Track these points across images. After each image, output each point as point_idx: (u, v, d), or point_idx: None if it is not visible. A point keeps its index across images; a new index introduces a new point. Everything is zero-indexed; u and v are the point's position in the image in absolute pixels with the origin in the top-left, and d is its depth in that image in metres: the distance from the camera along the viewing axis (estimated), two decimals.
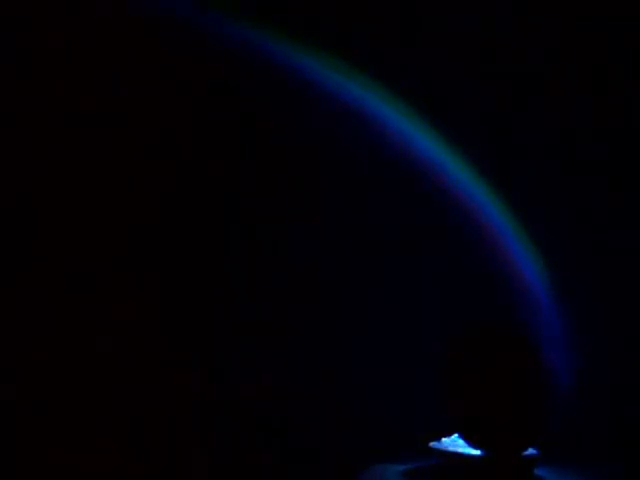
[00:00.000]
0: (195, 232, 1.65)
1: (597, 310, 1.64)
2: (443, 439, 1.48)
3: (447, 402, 1.46)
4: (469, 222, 1.65)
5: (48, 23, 1.62)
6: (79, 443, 1.57)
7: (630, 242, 1.65)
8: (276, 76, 1.64)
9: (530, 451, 1.45)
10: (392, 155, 1.66)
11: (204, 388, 1.62)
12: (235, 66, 1.65)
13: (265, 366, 1.63)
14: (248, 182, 1.66)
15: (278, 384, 1.63)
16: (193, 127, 1.66)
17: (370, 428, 1.61)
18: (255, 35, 1.63)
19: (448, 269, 1.67)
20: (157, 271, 1.63)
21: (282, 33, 1.63)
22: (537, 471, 1.45)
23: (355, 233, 1.67)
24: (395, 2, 1.66)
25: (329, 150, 1.66)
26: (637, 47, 1.64)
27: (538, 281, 1.65)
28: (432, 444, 1.47)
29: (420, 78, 1.65)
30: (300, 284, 1.65)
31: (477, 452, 1.43)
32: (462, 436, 1.45)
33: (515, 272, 1.65)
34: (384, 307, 1.65)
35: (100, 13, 1.63)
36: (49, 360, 1.58)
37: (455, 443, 1.46)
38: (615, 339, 1.64)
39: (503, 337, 1.47)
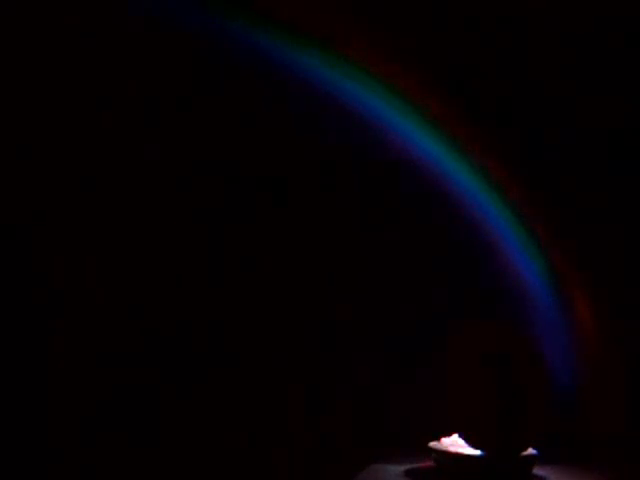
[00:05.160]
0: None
1: (597, 309, 1.64)
2: (443, 439, 1.48)
3: (447, 402, 1.45)
4: (469, 221, 1.66)
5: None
6: None
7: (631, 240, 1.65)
8: (277, 75, 1.65)
9: (530, 451, 1.45)
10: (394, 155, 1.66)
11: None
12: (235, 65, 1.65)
13: (263, 365, 1.64)
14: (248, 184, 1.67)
15: (279, 383, 1.63)
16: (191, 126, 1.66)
17: (370, 428, 1.61)
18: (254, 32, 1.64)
19: (449, 269, 1.67)
20: None
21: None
22: (537, 471, 1.45)
23: (356, 232, 1.67)
24: None
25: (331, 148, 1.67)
26: None
27: (539, 280, 1.65)
28: (432, 444, 1.47)
29: None
30: (294, 279, 1.66)
31: (477, 452, 1.43)
32: (462, 436, 1.45)
33: (516, 271, 1.65)
34: (384, 306, 1.65)
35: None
36: None
37: (455, 443, 1.46)
38: (615, 338, 1.64)
39: (504, 337, 1.47)
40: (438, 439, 1.48)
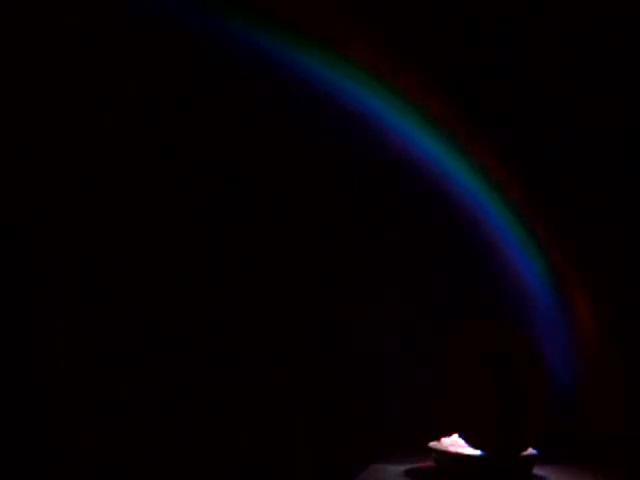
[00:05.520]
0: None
1: (597, 309, 1.64)
2: (443, 439, 1.48)
3: (447, 402, 1.45)
4: (469, 221, 1.66)
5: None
6: None
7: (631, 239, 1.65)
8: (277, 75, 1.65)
9: (530, 451, 1.45)
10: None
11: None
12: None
13: (263, 365, 1.64)
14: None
15: (279, 383, 1.63)
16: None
17: (370, 428, 1.61)
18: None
19: (449, 269, 1.67)
20: None
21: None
22: (537, 471, 1.45)
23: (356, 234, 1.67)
24: None
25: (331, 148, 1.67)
26: None
27: (539, 280, 1.65)
28: (432, 444, 1.47)
29: None
30: (294, 280, 1.65)
31: (477, 452, 1.43)
32: (462, 436, 1.45)
33: (516, 271, 1.65)
34: (384, 306, 1.65)
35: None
36: None
37: (455, 443, 1.46)
38: (615, 338, 1.64)
39: (504, 337, 1.47)
40: (438, 439, 1.48)
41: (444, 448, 1.45)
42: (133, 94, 1.65)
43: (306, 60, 1.63)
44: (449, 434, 1.48)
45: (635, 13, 1.64)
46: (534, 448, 1.45)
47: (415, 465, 1.48)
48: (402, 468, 1.46)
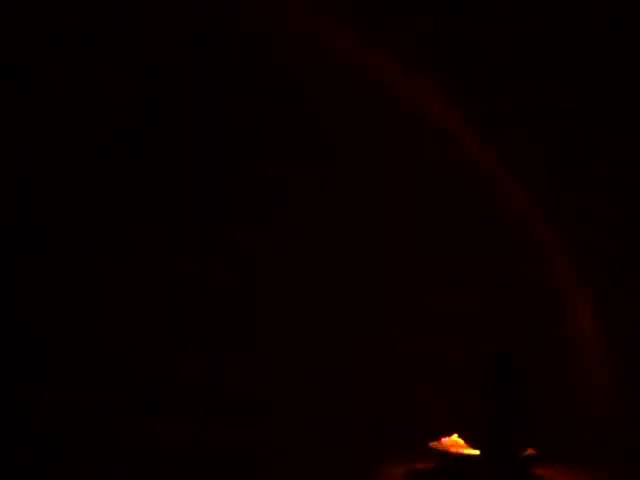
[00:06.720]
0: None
1: (597, 310, 1.65)
2: (443, 439, 1.48)
3: (447, 402, 1.46)
4: (472, 219, 1.66)
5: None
6: None
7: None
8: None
9: (530, 451, 1.45)
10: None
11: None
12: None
13: (265, 364, 1.64)
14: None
15: (279, 383, 1.63)
16: None
17: (371, 428, 1.61)
18: None
19: (451, 269, 1.67)
20: None
21: None
22: (537, 471, 1.45)
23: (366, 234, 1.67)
24: None
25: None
26: None
27: (539, 280, 1.65)
28: (432, 444, 1.47)
29: None
30: (301, 280, 1.66)
31: (477, 452, 1.43)
32: (462, 436, 1.45)
33: (517, 271, 1.66)
34: (384, 306, 1.65)
35: None
36: None
37: (455, 443, 1.46)
38: (615, 339, 1.64)
39: (505, 337, 1.47)
40: (438, 439, 1.48)
41: (444, 448, 1.45)
42: (132, 92, 1.65)
43: None
44: (449, 434, 1.48)
45: (635, 13, 1.64)
46: (534, 448, 1.45)
47: (415, 465, 1.48)
48: (402, 468, 1.46)
